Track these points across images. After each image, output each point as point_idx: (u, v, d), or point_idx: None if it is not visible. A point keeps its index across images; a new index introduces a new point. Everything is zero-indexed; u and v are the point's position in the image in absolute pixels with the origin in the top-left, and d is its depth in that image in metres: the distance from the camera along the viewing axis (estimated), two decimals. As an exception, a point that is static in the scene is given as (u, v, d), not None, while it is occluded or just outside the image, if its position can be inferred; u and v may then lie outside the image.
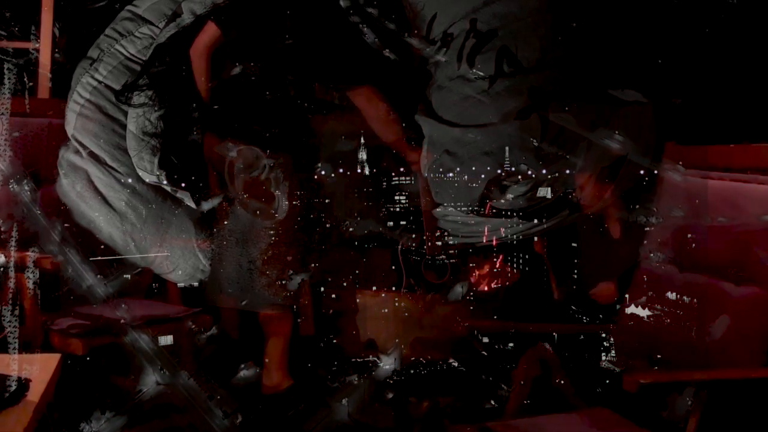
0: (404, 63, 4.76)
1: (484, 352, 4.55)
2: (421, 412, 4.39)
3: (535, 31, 4.58)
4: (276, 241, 4.58)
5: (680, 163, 3.59)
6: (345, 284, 4.93)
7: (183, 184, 4.59)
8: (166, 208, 4.65)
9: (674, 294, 3.45)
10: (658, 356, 3.44)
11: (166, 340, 4.31)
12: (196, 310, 4.56)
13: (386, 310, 4.85)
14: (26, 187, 4.36)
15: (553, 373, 3.50)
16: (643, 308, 3.55)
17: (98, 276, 4.00)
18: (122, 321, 4.25)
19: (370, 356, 4.77)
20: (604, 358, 3.84)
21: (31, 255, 3.96)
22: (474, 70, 4.61)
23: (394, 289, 4.95)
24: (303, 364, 4.80)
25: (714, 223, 3.38)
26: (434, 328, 4.73)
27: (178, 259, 4.67)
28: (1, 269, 3.68)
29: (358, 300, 4.93)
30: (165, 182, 4.57)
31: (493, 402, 4.16)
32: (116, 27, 4.73)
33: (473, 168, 4.61)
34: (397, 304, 4.86)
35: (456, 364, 4.72)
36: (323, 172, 4.82)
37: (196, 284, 4.71)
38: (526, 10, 4.56)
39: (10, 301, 3.29)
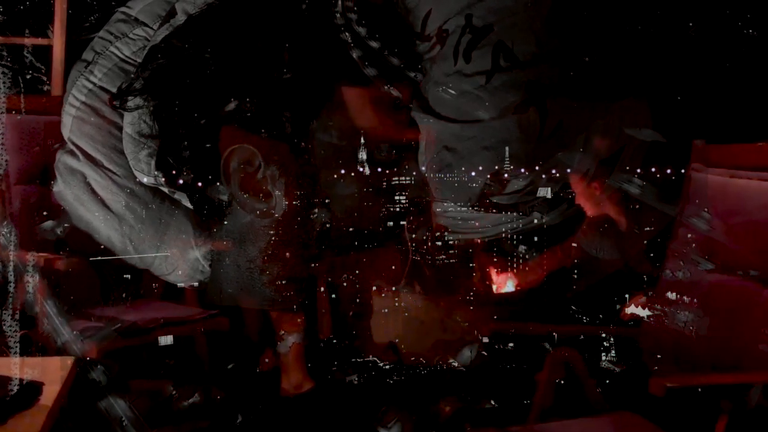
0: (407, 99, 4.68)
1: (484, 353, 4.44)
2: (443, 416, 4.26)
3: (530, 24, 4.50)
4: (276, 239, 4.51)
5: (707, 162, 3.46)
6: (353, 285, 4.80)
7: (180, 185, 4.50)
8: (165, 209, 4.55)
9: (702, 296, 3.31)
10: (686, 359, 3.31)
11: (166, 340, 4.18)
12: (213, 312, 4.45)
13: (406, 313, 4.71)
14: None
15: (578, 376, 3.37)
16: (671, 310, 3.42)
17: (75, 332, 3.86)
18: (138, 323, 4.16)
19: (390, 360, 4.66)
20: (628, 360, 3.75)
21: (44, 256, 3.90)
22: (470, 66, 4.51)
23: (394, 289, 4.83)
24: (323, 367, 4.73)
25: (742, 223, 3.25)
26: (456, 330, 4.61)
27: (177, 260, 4.56)
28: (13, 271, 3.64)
29: (375, 302, 4.79)
30: (162, 184, 4.46)
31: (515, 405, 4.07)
32: (110, 29, 4.63)
33: (472, 163, 4.51)
34: (416, 306, 4.71)
35: (455, 365, 4.59)
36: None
37: (195, 285, 4.60)
38: (521, 3, 4.48)
39: (10, 305, 3.22)
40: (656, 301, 3.49)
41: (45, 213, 4.48)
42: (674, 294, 3.39)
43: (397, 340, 4.71)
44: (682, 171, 3.52)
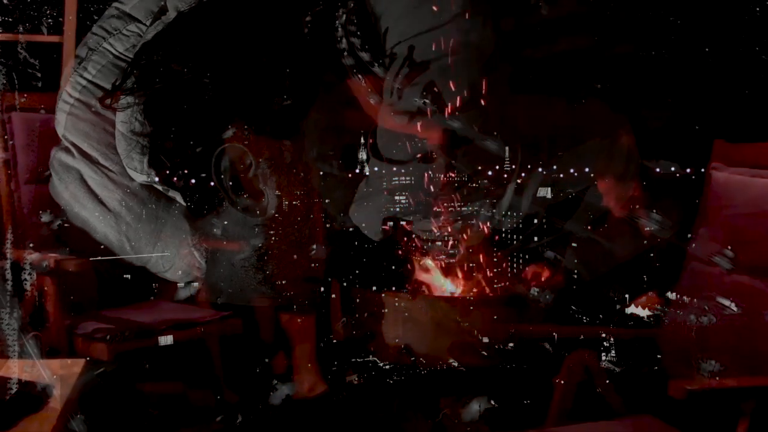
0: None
1: (484, 352, 4.39)
2: (458, 419, 4.21)
3: (470, 65, 4.40)
4: (270, 237, 4.48)
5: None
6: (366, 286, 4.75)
7: (174, 183, 4.46)
8: (161, 206, 4.48)
9: (722, 297, 3.25)
10: (707, 362, 3.24)
11: (166, 340, 4.09)
12: (226, 313, 4.39)
13: (422, 314, 4.63)
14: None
15: (596, 379, 3.31)
16: (690, 312, 3.36)
17: (54, 376, 3.79)
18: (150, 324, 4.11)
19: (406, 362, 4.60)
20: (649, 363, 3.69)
21: (55, 256, 3.85)
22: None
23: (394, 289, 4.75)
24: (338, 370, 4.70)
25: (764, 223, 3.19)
26: (473, 332, 4.54)
27: (174, 257, 4.50)
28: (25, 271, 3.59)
29: (390, 303, 4.70)
30: (155, 182, 4.41)
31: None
32: (103, 25, 4.55)
33: (374, 204, 4.54)
34: (433, 307, 4.62)
35: (455, 364, 4.49)
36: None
37: (196, 285, 4.55)
38: (466, 42, 4.36)
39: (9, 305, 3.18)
40: (675, 302, 3.42)
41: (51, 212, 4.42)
42: (695, 296, 3.32)
43: (402, 344, 4.63)
44: (702, 170, 3.46)
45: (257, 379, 4.56)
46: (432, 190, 4.45)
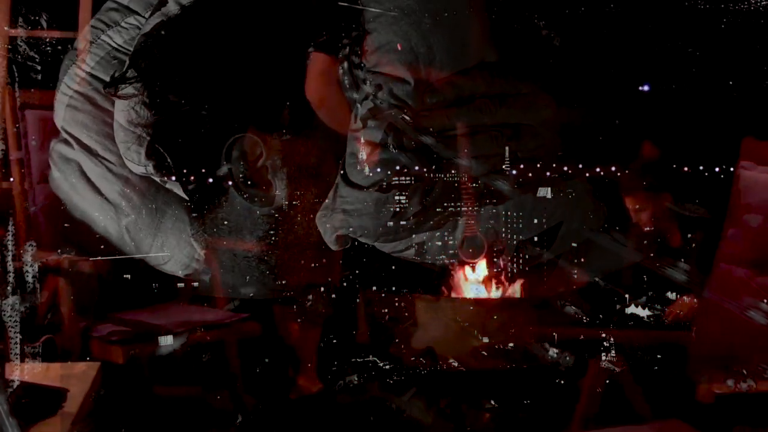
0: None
1: (484, 352, 4.33)
2: (482, 422, 4.14)
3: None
4: (280, 231, 4.42)
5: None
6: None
7: (173, 175, 4.34)
8: (160, 197, 4.39)
9: (750, 299, 3.19)
10: (736, 365, 3.18)
11: (166, 340, 4.03)
12: (244, 315, 4.33)
13: (444, 317, 4.56)
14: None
15: (623, 383, 3.25)
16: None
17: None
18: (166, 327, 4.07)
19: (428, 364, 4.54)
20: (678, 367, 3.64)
21: (69, 258, 3.85)
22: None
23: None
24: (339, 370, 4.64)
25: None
26: (496, 334, 4.48)
27: (173, 249, 4.43)
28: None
29: (413, 306, 4.64)
30: (153, 173, 4.31)
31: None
32: (102, 17, 4.47)
33: (337, 217, 4.39)
34: (455, 310, 4.56)
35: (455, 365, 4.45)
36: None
37: (195, 285, 4.49)
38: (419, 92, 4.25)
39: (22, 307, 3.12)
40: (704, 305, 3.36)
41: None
42: (722, 296, 3.25)
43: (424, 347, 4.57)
44: (731, 169, 3.40)
45: (275, 382, 4.53)
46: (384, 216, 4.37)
